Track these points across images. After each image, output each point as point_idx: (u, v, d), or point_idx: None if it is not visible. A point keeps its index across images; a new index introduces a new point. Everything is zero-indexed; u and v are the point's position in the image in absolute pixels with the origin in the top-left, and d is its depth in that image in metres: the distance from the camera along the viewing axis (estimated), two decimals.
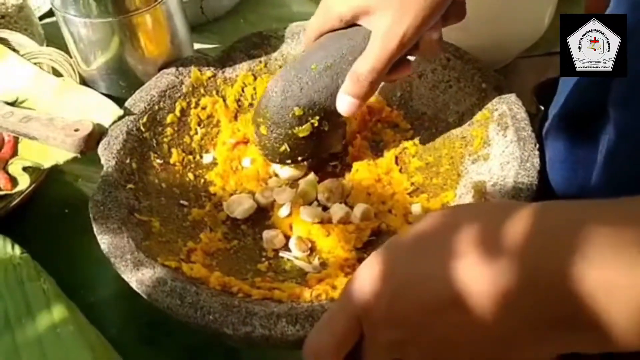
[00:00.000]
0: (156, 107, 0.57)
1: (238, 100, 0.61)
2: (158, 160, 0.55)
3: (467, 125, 0.55)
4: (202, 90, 0.60)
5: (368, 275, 0.34)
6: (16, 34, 0.68)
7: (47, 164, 0.55)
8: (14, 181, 0.55)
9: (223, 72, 0.61)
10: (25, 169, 0.54)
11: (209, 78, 0.61)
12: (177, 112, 0.58)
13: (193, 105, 0.59)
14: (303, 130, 0.51)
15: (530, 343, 0.28)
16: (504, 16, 0.64)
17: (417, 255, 0.32)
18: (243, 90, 0.61)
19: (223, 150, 0.58)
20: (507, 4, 0.63)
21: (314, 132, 0.51)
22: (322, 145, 0.55)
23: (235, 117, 0.60)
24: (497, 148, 0.51)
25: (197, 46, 0.71)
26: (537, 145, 0.50)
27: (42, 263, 0.49)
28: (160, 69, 0.60)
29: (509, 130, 0.51)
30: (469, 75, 0.57)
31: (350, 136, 0.58)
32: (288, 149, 0.53)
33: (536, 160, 0.49)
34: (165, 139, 0.57)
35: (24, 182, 0.54)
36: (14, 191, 0.54)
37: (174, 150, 0.57)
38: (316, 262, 0.49)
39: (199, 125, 0.59)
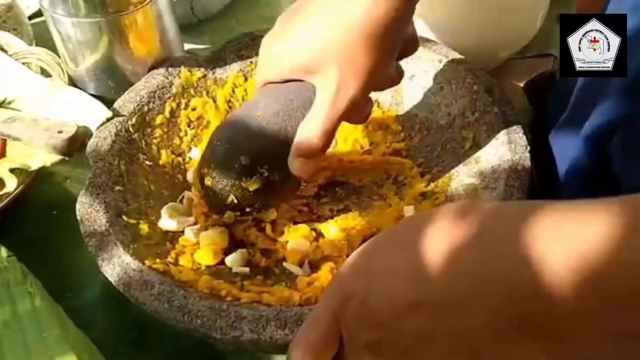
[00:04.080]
0: (145, 108, 0.57)
1: (229, 101, 0.61)
2: (147, 162, 0.55)
3: (458, 126, 0.55)
4: (192, 91, 0.60)
5: (346, 274, 0.34)
6: (4, 34, 0.67)
7: (34, 166, 0.54)
8: (1, 183, 0.55)
9: (213, 73, 0.61)
10: (12, 170, 0.54)
11: (199, 79, 0.60)
12: (167, 113, 0.58)
13: (183, 106, 0.59)
14: (252, 184, 0.47)
15: (499, 348, 0.28)
16: (496, 18, 0.63)
17: (390, 253, 0.32)
18: (234, 91, 0.61)
19: None
20: (499, 7, 0.63)
21: (263, 183, 0.48)
22: (272, 195, 0.50)
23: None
24: (488, 150, 0.51)
25: (188, 46, 0.71)
26: (529, 148, 0.50)
27: (29, 265, 0.49)
28: (149, 69, 0.60)
29: (500, 133, 0.51)
30: (460, 77, 0.56)
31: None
32: (235, 201, 0.48)
33: (527, 163, 0.49)
34: (154, 140, 0.56)
35: (12, 184, 0.54)
36: (1, 193, 0.53)
37: (163, 151, 0.56)
38: (306, 266, 0.49)
39: (188, 126, 0.59)
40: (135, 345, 0.49)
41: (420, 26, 0.62)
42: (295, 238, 0.50)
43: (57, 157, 0.54)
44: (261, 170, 0.47)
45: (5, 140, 0.59)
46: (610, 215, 0.24)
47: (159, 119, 0.57)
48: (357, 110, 0.47)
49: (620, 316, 0.24)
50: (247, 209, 0.49)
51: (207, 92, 0.60)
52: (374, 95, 0.56)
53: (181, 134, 0.58)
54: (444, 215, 0.30)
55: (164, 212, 0.51)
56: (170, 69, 0.60)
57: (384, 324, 0.32)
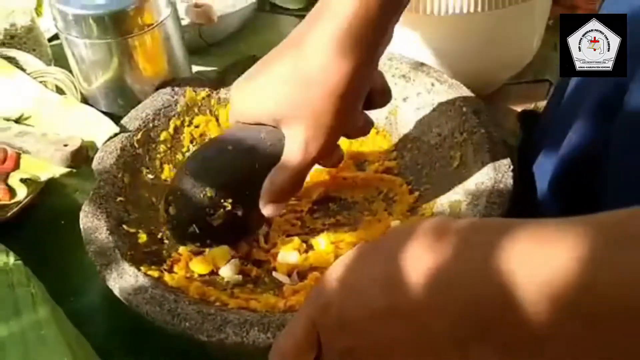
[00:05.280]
0: (151, 125, 0.60)
1: None
2: (150, 176, 0.58)
3: (448, 146, 0.57)
4: (196, 110, 0.63)
5: (325, 282, 0.36)
6: (24, 54, 0.71)
7: (44, 177, 0.57)
8: (12, 192, 0.58)
9: (217, 93, 0.64)
10: (23, 180, 0.57)
11: (203, 98, 0.63)
12: (171, 130, 0.61)
13: (187, 123, 0.62)
14: (216, 219, 0.49)
15: (466, 354, 0.30)
16: (492, 43, 0.65)
17: (367, 263, 0.34)
18: None
19: None
20: (495, 31, 0.65)
21: (226, 218, 0.49)
22: (235, 230, 0.51)
23: None
24: (473, 169, 0.53)
25: (196, 68, 0.74)
26: (512, 167, 0.51)
27: (35, 270, 0.52)
28: (157, 89, 0.63)
29: (486, 153, 0.53)
30: (451, 99, 0.59)
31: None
32: (197, 231, 0.50)
33: (509, 181, 0.50)
34: (158, 155, 0.59)
35: (22, 193, 0.57)
36: (12, 201, 0.57)
37: (166, 166, 0.59)
38: (295, 276, 0.51)
39: (191, 142, 0.62)
40: (131, 348, 0.51)
41: (417, 50, 0.65)
42: (286, 250, 0.52)
43: (65, 170, 0.57)
44: (224, 204, 0.49)
45: (19, 153, 0.62)
46: (575, 237, 0.25)
47: (163, 135, 0.60)
48: (326, 158, 0.50)
49: (577, 332, 0.25)
50: (208, 241, 0.51)
51: (210, 111, 0.63)
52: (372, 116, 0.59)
53: (184, 150, 0.61)
54: (422, 229, 0.32)
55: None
56: (176, 89, 0.63)
57: (358, 331, 0.33)
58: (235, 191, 0.49)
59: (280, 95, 0.46)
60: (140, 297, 0.45)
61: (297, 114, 0.46)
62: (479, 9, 0.59)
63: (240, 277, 0.51)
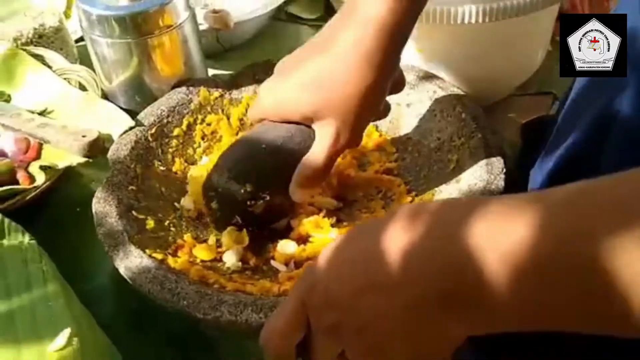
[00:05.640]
0: (165, 121, 0.63)
1: (241, 120, 0.67)
2: (161, 168, 0.61)
3: (446, 150, 0.59)
4: (208, 109, 0.66)
5: (314, 265, 0.38)
6: (50, 52, 0.75)
7: (61, 165, 0.61)
8: (32, 179, 0.62)
9: (230, 94, 0.67)
10: (42, 168, 0.60)
11: (216, 98, 0.66)
12: (184, 127, 0.64)
13: (199, 121, 0.65)
14: (257, 208, 0.53)
15: (439, 320, 0.32)
16: (496, 53, 0.67)
17: (352, 244, 0.37)
18: (247, 111, 0.67)
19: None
20: (499, 42, 0.67)
21: (265, 207, 0.54)
22: (272, 216, 0.56)
23: (237, 134, 0.65)
24: (468, 171, 0.55)
25: (212, 72, 0.77)
26: (504, 170, 0.54)
27: (49, 252, 0.55)
28: (173, 87, 0.67)
29: (481, 156, 0.55)
30: (451, 106, 0.61)
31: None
32: (240, 221, 0.54)
33: (501, 183, 0.53)
34: (170, 149, 0.62)
35: (40, 179, 0.60)
36: (31, 186, 0.60)
37: (177, 159, 0.62)
38: (292, 265, 0.53)
39: (202, 139, 0.65)
40: (136, 327, 0.54)
41: (422, 60, 0.67)
42: (285, 241, 0.55)
43: (82, 159, 0.61)
44: (263, 196, 0.53)
45: (41, 144, 0.66)
46: (532, 212, 0.28)
47: (176, 131, 0.63)
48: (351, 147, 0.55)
49: (532, 294, 0.28)
50: (249, 228, 0.55)
51: (223, 110, 0.66)
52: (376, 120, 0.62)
53: (195, 146, 0.64)
54: (401, 212, 0.34)
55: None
56: (191, 88, 0.66)
57: (342, 307, 0.36)
58: (271, 185, 0.53)
59: (312, 95, 0.51)
60: (143, 277, 0.48)
61: (327, 112, 0.51)
62: (484, 19, 0.61)
63: (240, 264, 0.53)
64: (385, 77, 0.51)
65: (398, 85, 0.56)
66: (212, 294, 0.46)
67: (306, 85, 0.51)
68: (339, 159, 0.61)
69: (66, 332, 0.43)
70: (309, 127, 0.53)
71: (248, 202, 0.53)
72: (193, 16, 0.68)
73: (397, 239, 0.33)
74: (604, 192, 0.27)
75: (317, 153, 0.53)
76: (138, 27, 0.63)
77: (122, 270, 0.49)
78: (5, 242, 0.53)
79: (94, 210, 0.54)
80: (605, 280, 0.25)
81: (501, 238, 0.28)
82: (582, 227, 0.26)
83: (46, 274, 0.50)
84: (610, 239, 0.24)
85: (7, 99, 0.73)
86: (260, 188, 0.53)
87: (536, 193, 0.30)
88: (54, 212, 0.63)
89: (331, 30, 0.52)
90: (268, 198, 0.53)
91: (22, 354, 0.43)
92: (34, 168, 0.62)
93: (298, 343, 0.40)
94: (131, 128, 0.61)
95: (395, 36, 0.49)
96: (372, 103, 0.51)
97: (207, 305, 0.45)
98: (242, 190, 0.53)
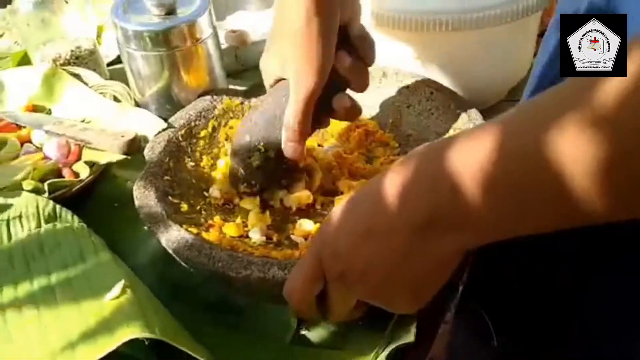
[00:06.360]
0: (193, 124, 0.71)
1: None
2: (191, 163, 0.69)
3: None
4: (231, 114, 0.74)
5: (328, 221, 0.44)
6: (86, 71, 0.84)
7: (103, 161, 0.69)
8: (76, 175, 0.69)
9: (249, 102, 0.75)
10: (87, 162, 0.68)
11: (237, 105, 0.75)
12: (210, 129, 0.72)
13: (223, 124, 0.73)
14: (255, 159, 0.63)
15: (429, 246, 0.39)
16: (488, 59, 0.75)
17: (355, 200, 0.43)
18: None
19: None
20: (491, 48, 0.74)
21: (262, 160, 0.63)
22: (271, 173, 0.64)
23: None
24: None
25: (232, 87, 0.85)
26: None
27: None
28: (199, 96, 0.75)
29: None
30: (447, 104, 0.69)
31: (349, 152, 0.71)
32: (243, 173, 0.64)
33: None
34: (198, 148, 0.70)
35: (85, 174, 0.68)
36: (77, 180, 0.68)
37: (204, 157, 0.70)
38: (310, 239, 0.60)
39: (226, 140, 0.72)
40: (174, 298, 0.60)
41: (419, 66, 0.76)
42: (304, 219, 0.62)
43: (120, 156, 0.69)
44: (259, 147, 0.62)
45: (82, 147, 0.74)
46: (493, 133, 0.34)
47: (202, 133, 0.71)
48: (320, 88, 0.59)
49: (502, 203, 0.34)
50: (253, 182, 0.64)
51: (243, 115, 0.74)
52: (380, 119, 0.69)
53: (220, 145, 0.72)
54: (394, 164, 0.42)
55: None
56: (214, 97, 0.74)
57: (346, 256, 0.42)
58: (266, 139, 0.63)
59: (275, 58, 0.60)
60: (182, 245, 0.55)
61: (289, 66, 0.58)
62: (474, 26, 0.69)
63: (264, 239, 0.60)
64: (329, 21, 0.56)
65: (362, 40, 0.61)
66: (242, 257, 0.53)
67: (270, 53, 0.61)
68: (349, 154, 0.69)
69: (120, 284, 0.50)
70: None
71: (248, 154, 0.63)
72: (216, 34, 0.76)
73: (390, 183, 0.40)
74: (545, 100, 0.33)
75: (292, 104, 0.59)
76: (168, 41, 0.72)
77: (163, 242, 0.56)
78: (57, 223, 0.60)
79: (135, 194, 0.61)
80: (555, 169, 0.31)
81: (471, 158, 0.35)
82: (531, 133, 0.32)
83: (97, 245, 0.57)
84: (552, 134, 0.31)
85: (48, 113, 0.82)
86: (268, 146, 0.62)
87: (494, 119, 0.36)
88: (94, 206, 0.70)
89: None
90: (263, 150, 0.62)
91: (82, 307, 0.50)
92: (78, 166, 0.70)
93: (317, 294, 0.47)
94: (164, 129, 0.69)
95: None
96: (323, 44, 0.56)
97: (239, 265, 0.52)
98: (254, 148, 0.63)
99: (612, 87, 0.30)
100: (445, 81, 0.75)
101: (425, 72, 0.75)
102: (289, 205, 0.64)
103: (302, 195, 0.63)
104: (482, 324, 0.59)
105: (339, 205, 0.44)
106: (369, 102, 0.73)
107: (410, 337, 0.51)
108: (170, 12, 0.72)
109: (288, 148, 0.61)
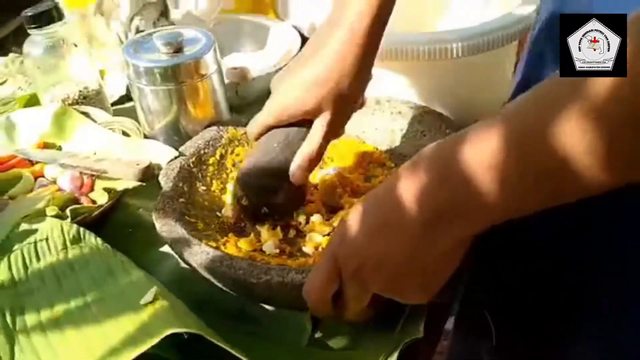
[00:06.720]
0: (202, 152, 0.76)
1: None
2: (202, 187, 0.73)
3: None
4: (236, 142, 0.79)
5: (343, 224, 0.49)
6: (95, 109, 0.88)
7: (120, 188, 0.73)
8: (94, 203, 0.73)
9: None
10: (105, 189, 0.72)
11: (242, 134, 0.80)
12: (217, 156, 0.77)
13: (230, 152, 0.78)
14: (279, 197, 0.67)
15: (449, 225, 0.43)
16: (474, 84, 0.82)
17: (371, 202, 0.47)
18: None
19: None
20: (476, 74, 0.81)
21: (284, 197, 0.67)
22: (290, 203, 0.69)
23: None
24: None
25: None
26: None
27: None
28: (205, 127, 0.80)
29: None
30: (437, 125, 0.75)
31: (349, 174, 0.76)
32: (267, 211, 0.68)
33: None
34: (208, 174, 0.75)
35: (103, 200, 0.72)
36: (95, 205, 0.72)
37: (214, 181, 0.75)
38: (320, 250, 0.65)
39: (233, 166, 0.77)
40: (195, 310, 0.64)
41: (409, 93, 0.82)
42: (315, 232, 0.67)
43: (136, 183, 0.73)
44: (283, 186, 0.66)
45: (94, 179, 0.78)
46: (497, 131, 0.39)
47: (211, 160, 0.76)
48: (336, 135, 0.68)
49: (514, 191, 0.39)
50: (275, 217, 0.68)
51: (248, 143, 0.80)
52: (376, 143, 0.75)
53: (227, 171, 0.77)
54: (403, 167, 0.46)
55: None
56: (221, 127, 0.80)
57: (362, 251, 0.47)
58: (285, 176, 0.66)
59: (313, 94, 0.64)
60: (204, 257, 0.59)
61: (326, 106, 0.64)
62: (459, 54, 0.76)
63: (277, 251, 0.65)
64: (365, 71, 0.63)
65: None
66: (261, 265, 0.58)
67: (307, 86, 0.63)
68: (350, 174, 0.74)
69: (153, 289, 0.54)
70: (301, 126, 0.66)
71: (271, 193, 0.67)
72: (220, 70, 0.82)
73: (403, 184, 0.44)
74: (544, 93, 0.38)
75: (314, 137, 0.65)
76: (177, 76, 0.77)
77: (185, 256, 0.60)
78: (82, 244, 0.64)
79: (154, 216, 0.65)
80: (562, 151, 0.35)
81: (482, 151, 0.39)
82: (537, 121, 0.37)
83: (125, 263, 0.61)
84: (556, 121, 0.35)
85: (58, 149, 0.86)
86: (278, 179, 0.66)
87: (495, 115, 0.40)
88: (109, 232, 0.74)
89: (319, 39, 0.64)
90: (287, 187, 0.66)
91: (120, 318, 0.52)
92: (95, 194, 0.74)
93: (334, 293, 0.51)
94: (176, 157, 0.74)
95: (371, 37, 0.61)
96: (356, 96, 0.65)
97: (259, 272, 0.56)
98: (264, 184, 0.66)
99: (604, 79, 0.35)
100: (434, 106, 0.81)
101: (415, 99, 0.81)
102: (299, 220, 0.69)
103: (309, 209, 0.68)
104: (484, 323, 0.63)
105: (353, 209, 0.49)
106: (366, 127, 0.79)
107: (419, 333, 0.56)
108: (178, 50, 0.78)
109: (297, 174, 0.66)
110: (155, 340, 0.48)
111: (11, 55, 1.15)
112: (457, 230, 0.43)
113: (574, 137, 0.35)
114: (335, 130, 0.66)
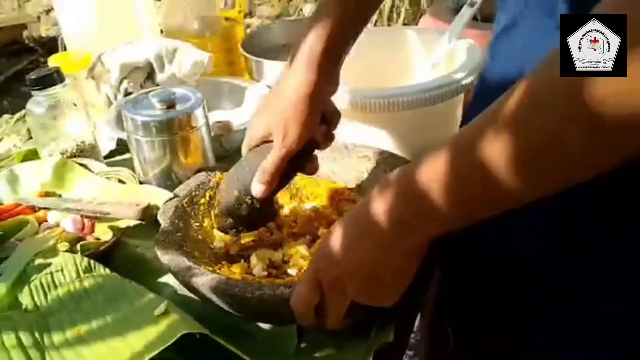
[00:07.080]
0: (194, 194, 0.86)
1: None
2: (196, 224, 0.83)
3: None
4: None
5: (322, 242, 0.58)
6: (92, 161, 0.98)
7: (122, 225, 0.82)
8: (98, 240, 0.82)
9: None
10: (110, 227, 0.82)
11: None
12: (207, 197, 0.87)
13: (218, 194, 0.88)
14: (243, 209, 0.77)
15: (410, 232, 0.53)
16: (426, 134, 0.94)
17: (348, 219, 0.58)
18: None
19: None
20: (427, 120, 0.94)
21: (248, 209, 0.77)
22: (256, 219, 0.80)
23: None
24: None
25: None
26: None
27: None
28: (195, 173, 0.90)
29: None
30: (399, 165, 0.86)
31: (325, 209, 0.87)
32: (232, 221, 0.78)
33: None
34: (199, 212, 0.85)
35: (108, 236, 0.81)
36: (101, 241, 0.81)
37: (205, 219, 0.85)
38: (303, 272, 0.75)
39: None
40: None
41: (374, 139, 0.94)
42: (297, 256, 0.77)
43: (137, 222, 0.82)
44: (246, 200, 0.77)
45: (94, 222, 0.87)
46: (442, 151, 0.49)
47: (202, 200, 0.86)
48: (297, 152, 0.73)
49: (460, 201, 0.48)
50: (240, 228, 0.79)
51: None
52: (346, 182, 0.86)
53: (216, 211, 0.87)
54: (374, 190, 0.56)
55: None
56: (209, 172, 0.90)
57: (341, 260, 0.56)
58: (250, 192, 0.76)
59: (263, 120, 0.74)
60: (204, 278, 0.68)
61: (274, 128, 0.72)
62: (415, 106, 0.88)
63: (266, 273, 0.75)
64: (321, 99, 0.71)
65: (334, 115, 0.77)
66: (254, 283, 0.67)
67: (261, 115, 0.75)
68: (325, 210, 0.85)
69: (164, 304, 0.63)
70: None
71: (236, 205, 0.77)
72: (208, 123, 0.93)
73: (375, 203, 0.54)
74: (475, 121, 0.47)
75: (270, 156, 0.72)
76: (171, 128, 0.88)
77: (186, 278, 0.69)
78: (94, 273, 0.73)
79: (156, 249, 0.74)
80: (491, 168, 0.44)
81: (434, 174, 0.48)
82: (469, 144, 0.46)
83: (137, 288, 0.70)
84: (483, 142, 0.44)
85: (59, 197, 0.95)
86: (244, 194, 0.77)
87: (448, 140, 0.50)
88: (113, 267, 0.82)
89: (278, 85, 0.73)
90: (250, 202, 0.77)
91: (142, 329, 0.61)
92: (99, 232, 0.83)
93: (316, 305, 0.60)
94: (171, 198, 0.84)
95: (323, 64, 0.69)
96: (306, 114, 0.70)
97: (253, 288, 0.66)
98: (233, 197, 0.77)
99: (514, 99, 0.43)
100: (394, 149, 0.93)
101: (378, 144, 0.93)
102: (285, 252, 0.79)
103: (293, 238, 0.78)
104: (444, 331, 0.73)
105: (332, 228, 0.59)
106: (337, 169, 0.91)
107: (389, 337, 0.65)
108: (171, 106, 0.89)
109: (258, 188, 0.74)
110: (171, 341, 0.56)
111: (5, 116, 1.24)
112: (417, 236, 0.54)
113: (498, 150, 0.44)
114: (291, 143, 0.71)
